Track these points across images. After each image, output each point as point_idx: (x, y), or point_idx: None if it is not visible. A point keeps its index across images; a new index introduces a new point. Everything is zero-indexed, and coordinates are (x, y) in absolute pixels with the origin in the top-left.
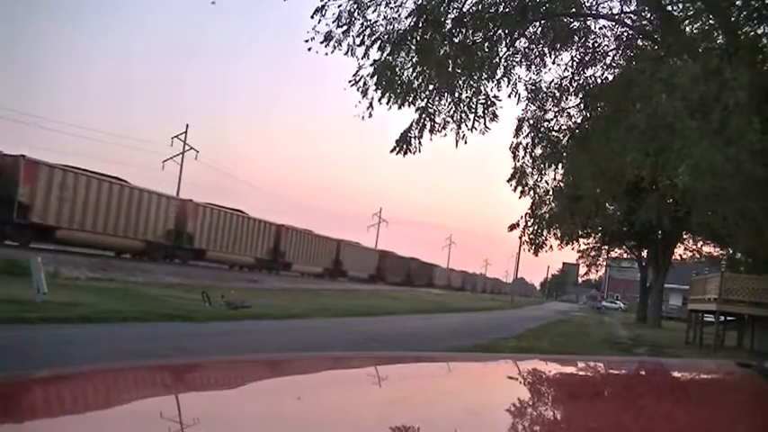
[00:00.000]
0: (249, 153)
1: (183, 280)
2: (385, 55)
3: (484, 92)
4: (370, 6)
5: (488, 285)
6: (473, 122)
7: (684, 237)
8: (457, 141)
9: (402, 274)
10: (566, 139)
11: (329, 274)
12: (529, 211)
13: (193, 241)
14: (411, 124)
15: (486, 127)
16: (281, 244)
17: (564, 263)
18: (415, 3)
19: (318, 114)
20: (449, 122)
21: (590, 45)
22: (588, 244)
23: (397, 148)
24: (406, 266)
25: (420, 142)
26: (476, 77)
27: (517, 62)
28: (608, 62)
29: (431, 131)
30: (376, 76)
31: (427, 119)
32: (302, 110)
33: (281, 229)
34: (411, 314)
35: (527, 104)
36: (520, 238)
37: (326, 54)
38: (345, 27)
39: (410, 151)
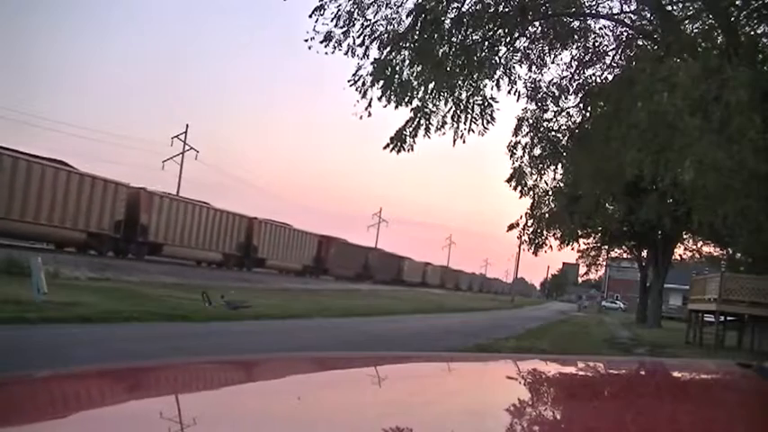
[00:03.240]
0: (249, 153)
1: (182, 280)
2: (384, 54)
3: (482, 93)
4: (369, 6)
5: (476, 283)
6: (470, 123)
7: (684, 237)
8: (455, 140)
9: (393, 272)
10: (565, 138)
11: (310, 272)
12: (528, 211)
13: (148, 234)
14: (406, 122)
15: (485, 128)
16: (253, 238)
17: (564, 263)
18: (414, 2)
19: (318, 114)
20: (446, 122)
21: (590, 45)
22: (588, 244)
23: (391, 146)
24: (396, 265)
25: (414, 141)
26: (475, 77)
27: (517, 62)
28: (608, 62)
29: (426, 130)
30: (374, 76)
31: (423, 118)
32: (302, 110)
33: (252, 222)
34: (411, 314)
35: (526, 104)
36: (519, 237)
37: (326, 54)
38: (345, 27)
39: (404, 149)
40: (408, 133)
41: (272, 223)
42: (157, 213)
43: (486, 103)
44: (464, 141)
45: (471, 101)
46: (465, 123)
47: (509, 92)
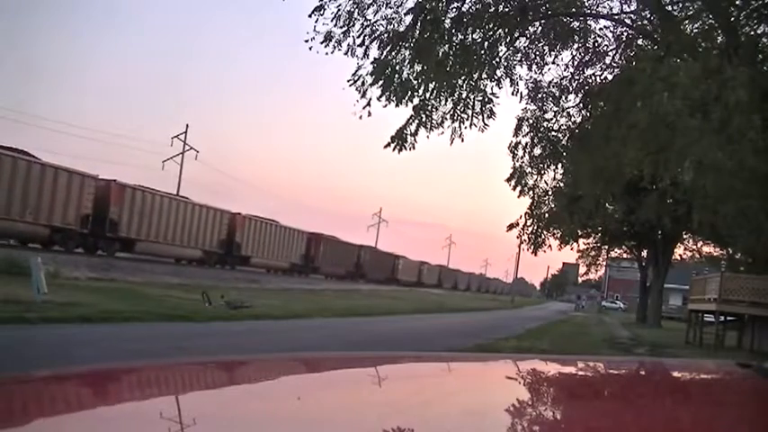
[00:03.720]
0: (249, 153)
1: (183, 280)
2: (384, 54)
3: (482, 91)
4: (369, 6)
5: (474, 282)
6: (471, 120)
7: (684, 237)
8: (452, 140)
9: (387, 271)
10: (565, 138)
11: (299, 271)
12: (528, 211)
13: (118, 229)
14: (407, 121)
15: (485, 124)
16: (235, 235)
17: (564, 263)
18: (414, 2)
19: (319, 114)
20: (446, 120)
21: (590, 45)
22: (588, 244)
23: (392, 145)
24: (390, 263)
25: (415, 139)
26: (475, 77)
27: (517, 61)
28: (608, 62)
29: (427, 128)
30: (375, 75)
31: (423, 116)
32: (302, 110)
33: (235, 217)
34: (411, 314)
35: (527, 104)
36: (519, 237)
37: (326, 54)
38: (345, 27)
39: (405, 148)
40: (409, 132)
41: (257, 219)
42: (129, 207)
43: (487, 99)
44: (463, 140)
45: (472, 97)
46: (465, 121)
47: (512, 93)
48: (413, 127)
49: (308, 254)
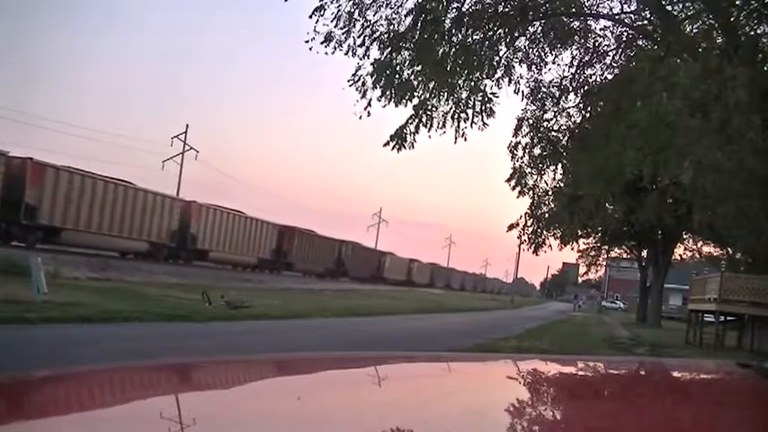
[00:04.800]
0: (249, 153)
1: (182, 280)
2: (385, 55)
3: (482, 90)
4: (370, 7)
5: (469, 282)
6: (471, 119)
7: (684, 237)
8: (456, 138)
9: (372, 269)
10: (565, 138)
11: (270, 267)
12: (528, 211)
13: (37, 216)
14: (407, 120)
15: (484, 123)
16: (190, 225)
17: (564, 263)
18: (414, 2)
19: (318, 114)
20: (446, 120)
21: (590, 45)
22: (588, 244)
23: (392, 144)
24: (376, 260)
25: (415, 138)
26: (475, 76)
27: (517, 61)
28: (608, 62)
29: (426, 127)
30: (375, 76)
31: (423, 115)
32: (302, 110)
33: (190, 206)
34: (411, 314)
35: (527, 104)
36: (519, 237)
37: (327, 54)
38: (345, 28)
39: (404, 147)
40: (409, 131)
41: (217, 209)
42: (52, 191)
43: (486, 98)
44: (465, 139)
45: (472, 97)
46: (465, 121)
47: (514, 91)
48: (412, 126)
49: (280, 249)
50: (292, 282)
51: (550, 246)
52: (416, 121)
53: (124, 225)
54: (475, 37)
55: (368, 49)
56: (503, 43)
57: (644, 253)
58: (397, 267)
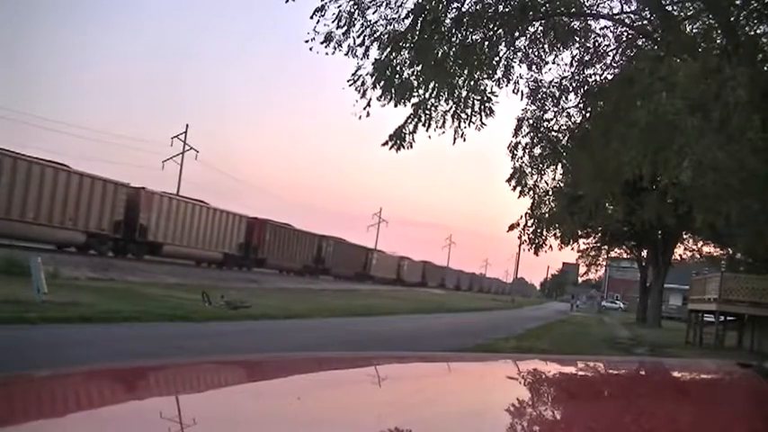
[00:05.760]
0: (249, 153)
1: (183, 280)
2: (384, 55)
3: (482, 90)
4: (370, 7)
5: (464, 281)
6: (470, 119)
7: (684, 237)
8: (455, 138)
9: (357, 266)
10: (565, 138)
11: (239, 263)
12: (528, 211)
13: None
14: (406, 120)
15: (483, 123)
16: (139, 216)
17: (564, 263)
18: (414, 2)
19: (319, 114)
20: (446, 119)
21: (590, 45)
22: (588, 244)
23: (391, 143)
24: (362, 257)
25: (413, 138)
26: (475, 76)
27: (517, 61)
28: (608, 62)
29: (426, 127)
30: (375, 76)
31: (423, 115)
32: (302, 110)
33: (139, 194)
34: (411, 314)
35: (527, 104)
36: (519, 237)
37: (327, 54)
38: (345, 28)
39: (403, 146)
40: (408, 131)
41: (173, 197)
42: None
43: (486, 97)
44: (464, 139)
45: (471, 97)
46: (465, 121)
47: (513, 92)
48: (411, 126)
49: (249, 243)
50: (292, 282)
51: (551, 246)
52: (415, 120)
53: (55, 212)
54: (475, 37)
55: (368, 49)
56: (503, 43)
57: (644, 253)
58: (385, 265)
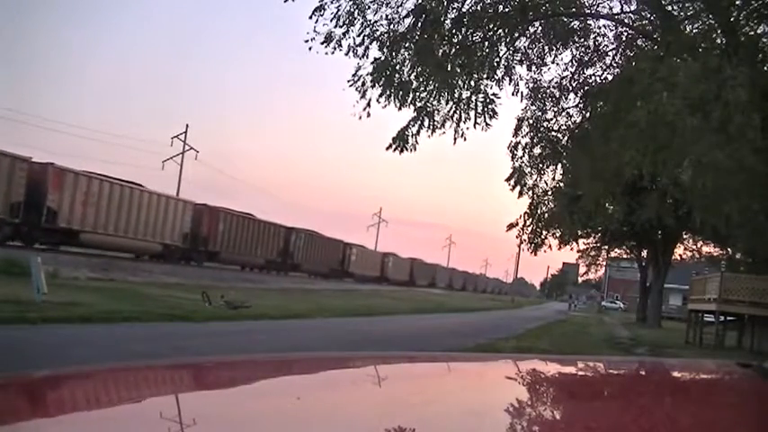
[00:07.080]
0: (249, 153)
1: (183, 280)
2: (384, 55)
3: (483, 90)
4: (369, 7)
5: (457, 280)
6: (474, 120)
7: (684, 237)
8: (455, 139)
9: (333, 262)
10: (565, 138)
11: (183, 257)
12: (527, 211)
13: None
14: (409, 122)
15: (487, 124)
16: (47, 198)
17: (564, 263)
18: (414, 2)
19: (319, 115)
20: (447, 120)
21: (590, 45)
22: (588, 244)
23: (394, 146)
24: (338, 253)
25: (417, 140)
26: (475, 77)
27: (518, 61)
28: (608, 62)
29: (429, 129)
30: (375, 76)
31: (425, 117)
32: (302, 110)
33: (45, 171)
34: (411, 314)
35: (527, 104)
36: (518, 237)
37: (326, 54)
38: (345, 27)
39: (406, 149)
40: (411, 133)
41: (93, 177)
42: None
43: (488, 99)
44: (465, 139)
45: (473, 98)
46: (466, 122)
47: (512, 93)
48: (414, 128)
49: (197, 234)
50: (293, 282)
51: (550, 246)
52: (418, 123)
53: None
54: (475, 37)
55: (367, 48)
56: (503, 43)
57: (644, 253)
58: (366, 261)
